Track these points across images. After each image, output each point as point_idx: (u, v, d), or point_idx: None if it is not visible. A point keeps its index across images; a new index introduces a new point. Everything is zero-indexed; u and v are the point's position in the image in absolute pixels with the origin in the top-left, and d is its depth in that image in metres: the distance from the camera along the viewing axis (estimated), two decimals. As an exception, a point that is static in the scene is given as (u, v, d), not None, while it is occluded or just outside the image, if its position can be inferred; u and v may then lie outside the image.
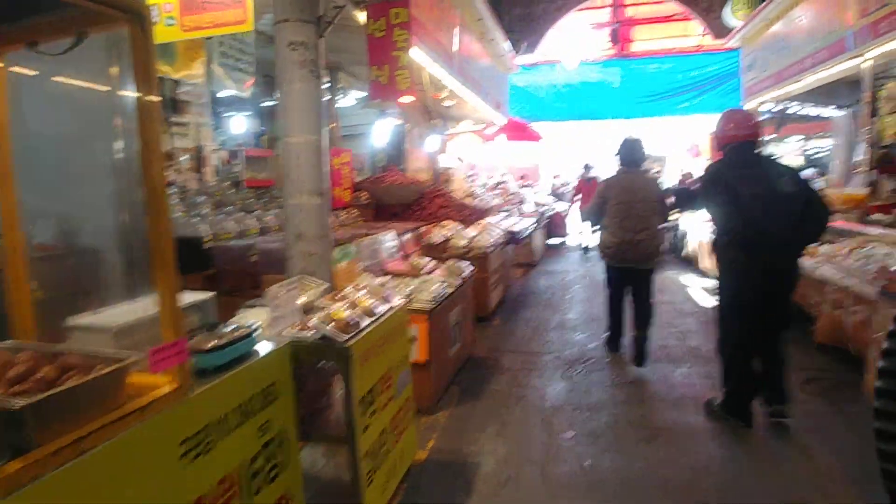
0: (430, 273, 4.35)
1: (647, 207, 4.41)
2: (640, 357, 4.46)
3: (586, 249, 10.40)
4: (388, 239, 4.72)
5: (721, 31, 10.95)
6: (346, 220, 5.72)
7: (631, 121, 14.78)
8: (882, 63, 5.65)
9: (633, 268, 4.48)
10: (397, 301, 2.82)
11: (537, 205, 11.59)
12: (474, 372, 4.37)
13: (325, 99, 3.52)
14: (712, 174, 3.54)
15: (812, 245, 4.12)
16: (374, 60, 3.96)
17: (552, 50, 13.87)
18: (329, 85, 6.62)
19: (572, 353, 4.88)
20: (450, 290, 3.95)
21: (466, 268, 4.47)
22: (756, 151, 3.44)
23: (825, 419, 3.51)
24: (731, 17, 10.11)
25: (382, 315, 2.61)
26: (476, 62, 7.99)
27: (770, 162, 3.46)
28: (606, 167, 17.61)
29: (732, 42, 9.01)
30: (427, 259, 4.55)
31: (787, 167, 3.45)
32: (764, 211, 3.19)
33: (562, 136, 14.95)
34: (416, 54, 4.68)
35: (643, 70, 13.74)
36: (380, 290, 2.85)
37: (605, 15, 13.53)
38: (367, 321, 2.44)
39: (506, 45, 9.67)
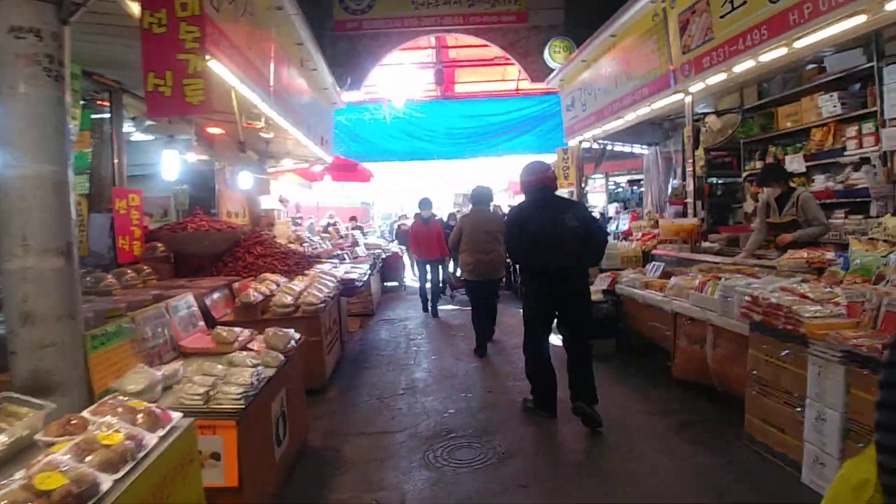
0: (244, 348, 3.29)
1: (491, 236, 6.17)
2: (489, 335, 6.38)
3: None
4: (185, 305, 3.56)
5: (538, 74, 11.33)
6: (131, 281, 4.37)
7: (457, 161, 14.88)
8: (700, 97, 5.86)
9: (485, 280, 6.24)
10: (179, 420, 1.78)
11: (370, 247, 10.83)
12: (309, 474, 3.34)
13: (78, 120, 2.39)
14: (511, 215, 4.41)
15: (649, 277, 4.83)
16: (150, 64, 2.89)
17: (379, 88, 13.43)
18: (110, 111, 5.24)
19: (429, 425, 4.07)
20: (270, 373, 2.93)
21: (292, 337, 3.46)
22: (550, 193, 4.14)
23: (715, 475, 3.09)
24: (551, 59, 10.48)
25: (150, 452, 1.57)
26: (296, 91, 7.09)
27: (560, 201, 4.18)
28: (444, 206, 17.52)
29: (552, 83, 9.24)
30: (240, 330, 3.47)
31: (574, 204, 4.21)
32: (548, 244, 3.92)
33: (396, 176, 14.49)
34: (219, 69, 3.69)
35: (466, 111, 13.86)
36: (154, 396, 1.80)
37: (429, 56, 13.46)
38: (112, 479, 1.39)
39: (329, 78, 8.91)
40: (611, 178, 16.64)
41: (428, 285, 8.36)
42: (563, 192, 13.60)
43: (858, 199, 5.77)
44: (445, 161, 14.52)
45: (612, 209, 17.55)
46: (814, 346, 2.72)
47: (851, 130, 5.94)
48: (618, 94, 7.06)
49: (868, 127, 5.75)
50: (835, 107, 6.04)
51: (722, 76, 5.00)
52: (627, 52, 6.67)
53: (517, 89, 14.25)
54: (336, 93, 9.86)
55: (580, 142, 9.17)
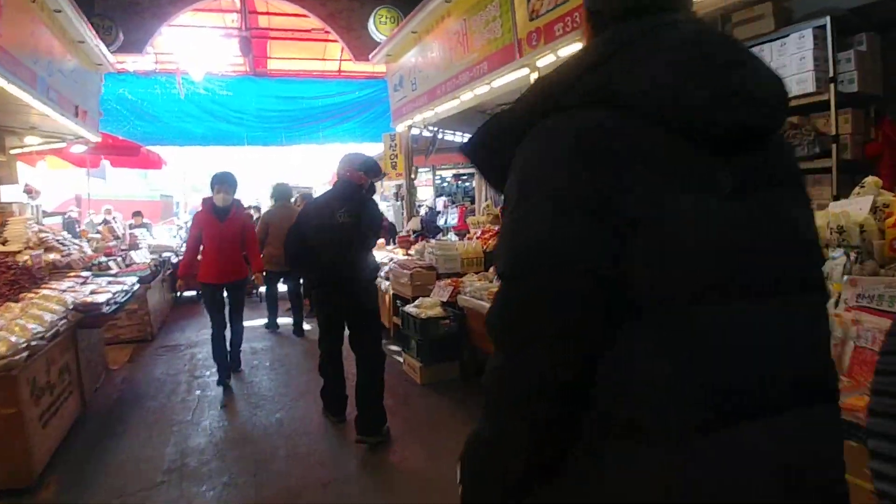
0: None
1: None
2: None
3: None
4: None
5: (361, 51, 10.06)
6: None
7: (270, 148, 13.07)
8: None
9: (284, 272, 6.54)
10: None
11: (157, 250, 8.72)
12: None
13: None
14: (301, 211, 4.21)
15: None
16: None
17: (177, 57, 11.16)
18: None
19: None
20: None
21: None
22: (343, 188, 3.77)
23: None
24: (376, 31, 9.25)
25: None
26: (28, 40, 5.02)
27: (345, 196, 3.73)
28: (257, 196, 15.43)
29: (377, 59, 8.03)
30: None
31: (355, 199, 3.70)
32: (319, 244, 3.66)
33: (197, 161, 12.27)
34: None
35: (281, 92, 12.18)
36: None
37: (234, 22, 11.44)
38: None
39: (83, 29, 6.75)
40: (437, 172, 16.10)
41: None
42: (391, 184, 12.73)
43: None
44: (254, 148, 12.65)
45: (440, 203, 17.04)
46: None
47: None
48: (453, 70, 6.07)
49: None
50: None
51: (578, 45, 4.15)
52: (464, 20, 5.68)
53: (340, 71, 12.86)
54: (101, 53, 7.66)
55: (409, 127, 8.09)
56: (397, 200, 17.72)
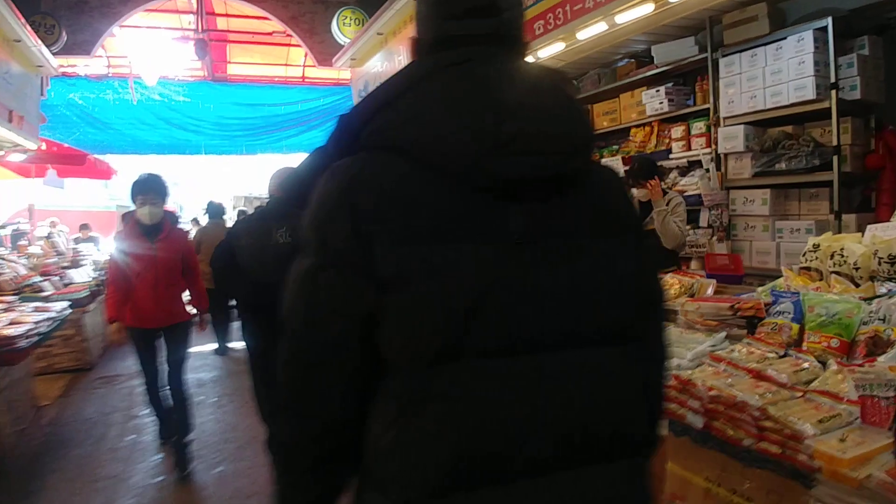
0: None
1: None
2: None
3: None
4: None
5: (325, 57, 9.58)
6: None
7: (228, 157, 12.45)
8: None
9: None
10: None
11: (102, 267, 8.02)
12: None
13: None
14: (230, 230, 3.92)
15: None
16: None
17: (132, 61, 10.48)
18: None
19: None
20: None
21: None
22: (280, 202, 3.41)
23: None
24: (340, 33, 8.75)
25: None
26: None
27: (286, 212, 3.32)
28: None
29: (341, 63, 7.54)
30: None
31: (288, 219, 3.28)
32: (256, 262, 3.24)
33: (159, 169, 11.53)
34: None
35: (241, 98, 11.59)
36: None
37: (191, 23, 10.79)
38: None
39: (17, 27, 6.13)
40: None
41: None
42: None
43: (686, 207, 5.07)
44: (212, 157, 12.02)
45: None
46: (827, 489, 1.43)
47: (678, 130, 5.25)
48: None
49: (698, 126, 5.08)
50: (661, 103, 5.29)
51: (559, 46, 3.77)
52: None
53: (303, 77, 12.33)
54: (41, 54, 7.02)
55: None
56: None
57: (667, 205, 4.07)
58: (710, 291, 3.00)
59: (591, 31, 3.42)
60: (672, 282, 3.13)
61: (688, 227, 4.39)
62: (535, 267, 0.81)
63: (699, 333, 2.06)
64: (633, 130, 5.72)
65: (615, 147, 6.08)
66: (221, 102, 11.40)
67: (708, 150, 4.91)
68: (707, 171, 4.81)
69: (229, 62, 11.96)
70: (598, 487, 0.83)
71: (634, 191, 4.17)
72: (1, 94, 6.22)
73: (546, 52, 3.88)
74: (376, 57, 6.68)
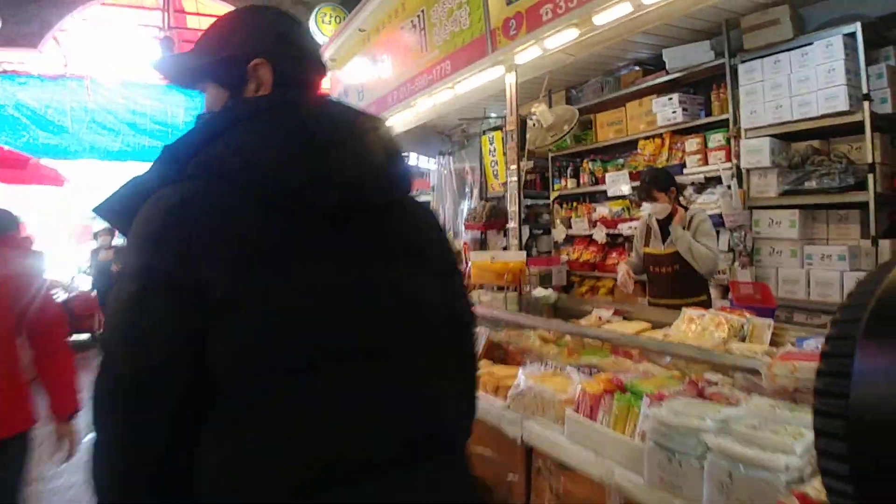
0: None
1: None
2: None
3: None
4: None
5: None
6: None
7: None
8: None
9: None
10: None
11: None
12: None
13: None
14: None
15: None
16: None
17: (86, 59, 9.73)
18: None
19: None
20: None
21: None
22: None
23: None
24: (318, 31, 8.15)
25: None
26: None
27: None
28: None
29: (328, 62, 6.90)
30: None
31: None
32: None
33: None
34: None
35: (218, 104, 10.85)
36: None
37: (159, 19, 10.09)
38: None
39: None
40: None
41: None
42: None
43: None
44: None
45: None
46: None
47: (693, 143, 4.69)
48: (408, 73, 5.02)
49: (716, 139, 4.52)
50: (674, 112, 4.74)
51: (572, 33, 3.17)
52: (422, 10, 4.66)
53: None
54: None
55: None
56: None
57: (690, 221, 3.46)
58: (768, 335, 2.38)
59: (613, 14, 2.81)
60: (716, 321, 2.51)
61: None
62: (361, 284, 0.89)
63: (800, 409, 1.44)
64: (641, 143, 5.17)
65: (620, 161, 5.53)
66: (193, 108, 10.66)
67: (728, 164, 4.36)
68: (728, 188, 4.25)
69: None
70: (437, 482, 0.91)
71: (647, 205, 3.56)
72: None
73: (555, 41, 3.26)
74: (358, 55, 6.06)
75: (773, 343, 2.39)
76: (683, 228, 3.43)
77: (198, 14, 9.90)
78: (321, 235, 0.87)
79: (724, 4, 3.95)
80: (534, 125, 3.94)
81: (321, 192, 0.86)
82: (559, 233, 6.12)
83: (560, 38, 3.21)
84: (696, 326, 2.59)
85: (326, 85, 10.30)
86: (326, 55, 6.68)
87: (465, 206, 7.23)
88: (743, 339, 2.46)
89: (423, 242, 1.01)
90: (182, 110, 10.57)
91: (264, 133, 0.87)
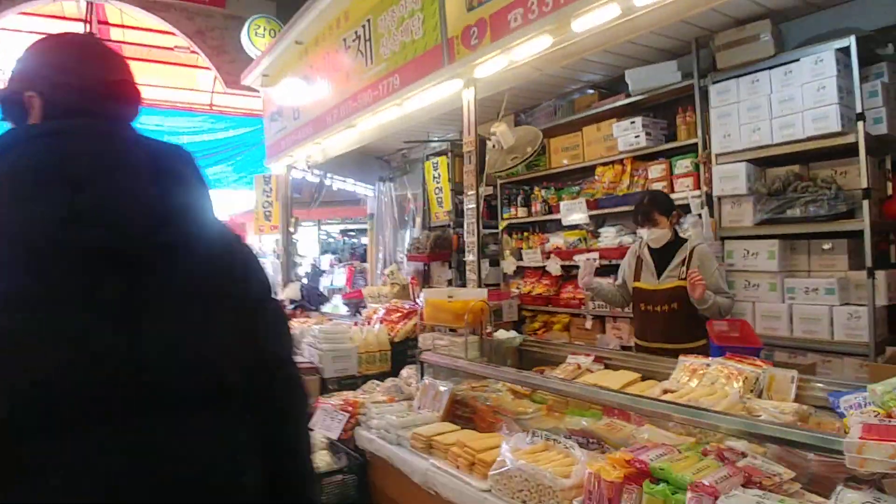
0: None
1: None
2: None
3: None
4: None
5: (236, 78, 8.33)
6: None
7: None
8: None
9: None
10: None
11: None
12: None
13: None
14: None
15: None
16: None
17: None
18: None
19: None
20: None
21: None
22: None
23: None
24: (251, 44, 7.56)
25: None
26: None
27: None
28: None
29: (251, 78, 6.30)
30: None
31: None
32: None
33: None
34: None
35: (140, 123, 9.96)
36: None
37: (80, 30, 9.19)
38: None
39: None
40: (322, 227, 14.60)
41: None
42: (266, 238, 10.85)
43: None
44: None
45: (325, 261, 15.23)
46: None
47: (657, 169, 4.41)
48: (351, 89, 4.52)
49: (684, 165, 4.26)
50: (636, 137, 4.46)
51: (545, 41, 2.79)
52: (367, 20, 4.20)
53: (211, 105, 10.97)
54: None
55: (289, 168, 6.36)
56: (277, 258, 15.64)
57: (689, 256, 3.03)
58: (792, 390, 1.99)
59: (596, 18, 2.44)
60: (726, 372, 2.10)
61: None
62: (125, 333, 0.82)
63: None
64: (599, 169, 4.87)
65: (576, 189, 5.20)
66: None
67: (697, 192, 4.08)
68: (699, 216, 3.96)
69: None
70: None
71: (645, 231, 3.13)
72: None
73: (524, 50, 2.86)
74: (293, 70, 5.52)
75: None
76: (682, 264, 3.01)
77: (122, 26, 9.08)
78: (87, 279, 0.81)
79: (697, 20, 3.71)
80: (493, 147, 3.52)
81: (76, 234, 0.81)
82: (509, 264, 5.71)
83: (531, 47, 2.81)
84: (701, 379, 2.17)
85: (257, 104, 9.73)
86: (259, 69, 6.12)
87: (407, 236, 6.75)
88: (759, 395, 2.07)
89: (212, 282, 0.94)
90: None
91: (19, 169, 0.83)
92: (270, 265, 12.03)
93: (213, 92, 10.61)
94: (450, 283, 6.04)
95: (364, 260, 15.15)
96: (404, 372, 3.19)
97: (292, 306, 5.85)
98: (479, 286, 3.42)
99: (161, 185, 0.89)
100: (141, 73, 10.22)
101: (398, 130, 5.11)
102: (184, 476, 0.84)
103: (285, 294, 5.88)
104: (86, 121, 0.92)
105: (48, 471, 0.76)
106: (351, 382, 3.40)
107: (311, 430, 1.15)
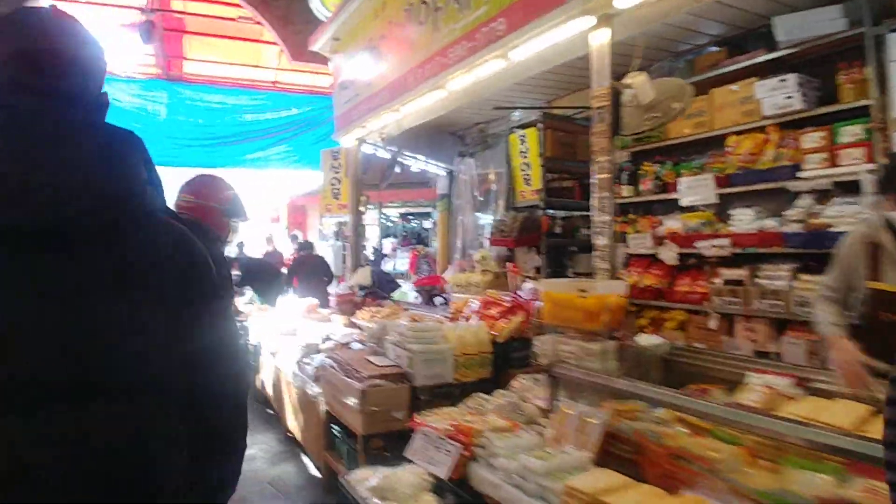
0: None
1: None
2: None
3: None
4: None
5: (301, 50, 7.88)
6: None
7: (183, 170, 10.45)
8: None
9: None
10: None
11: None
12: None
13: None
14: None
15: None
16: None
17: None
18: None
19: None
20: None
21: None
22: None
23: None
24: (321, 6, 7.02)
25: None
26: None
27: None
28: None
29: (320, 44, 5.75)
30: None
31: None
32: None
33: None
34: None
35: (200, 101, 9.75)
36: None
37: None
38: None
39: None
40: (382, 210, 14.20)
41: None
42: (331, 219, 10.44)
43: (824, 251, 3.28)
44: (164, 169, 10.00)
45: (387, 245, 14.78)
46: None
47: (815, 138, 3.57)
48: (439, 42, 3.87)
49: (852, 133, 3.40)
50: (789, 98, 3.63)
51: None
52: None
53: (275, 83, 10.61)
54: None
55: (360, 141, 5.78)
56: (337, 240, 15.27)
57: None
58: None
59: None
60: None
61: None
62: (47, 317, 0.82)
63: None
64: (732, 138, 4.04)
65: (698, 162, 4.38)
66: (176, 104, 9.53)
67: (872, 165, 3.22)
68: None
69: (186, 59, 10.09)
70: None
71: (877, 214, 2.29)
72: None
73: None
74: (368, 33, 4.90)
75: None
76: None
77: (184, -2, 8.74)
78: (12, 262, 0.81)
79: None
80: (630, 101, 2.79)
81: (3, 212, 0.80)
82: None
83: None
84: None
85: (321, 81, 9.27)
86: (330, 32, 5.55)
87: (487, 218, 6.08)
88: None
89: (149, 271, 0.91)
90: (164, 107, 9.48)
91: None
92: (331, 249, 11.74)
93: (277, 69, 10.24)
94: (538, 270, 5.34)
95: (421, 243, 14.68)
96: (517, 383, 2.54)
97: (362, 293, 5.31)
98: (614, 278, 2.71)
99: (103, 168, 0.87)
100: (204, 49, 10.00)
101: (481, 100, 4.46)
102: (89, 461, 0.82)
103: (355, 279, 5.33)
104: (23, 94, 0.89)
105: None
106: (446, 391, 2.78)
107: (239, 432, 1.06)
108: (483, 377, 2.92)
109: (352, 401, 2.60)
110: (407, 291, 6.62)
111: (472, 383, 2.85)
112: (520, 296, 3.28)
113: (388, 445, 2.68)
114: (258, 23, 8.36)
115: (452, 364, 2.78)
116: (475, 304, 3.37)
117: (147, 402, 0.87)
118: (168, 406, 0.90)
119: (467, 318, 3.10)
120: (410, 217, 16.65)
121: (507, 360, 3.01)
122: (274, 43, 8.89)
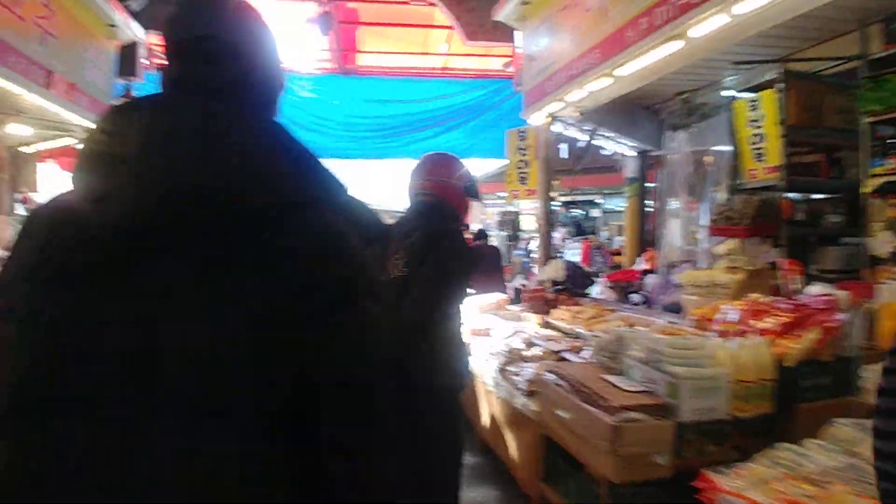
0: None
1: None
2: None
3: None
4: None
5: (474, 29, 7.47)
6: None
7: (356, 161, 10.67)
8: None
9: None
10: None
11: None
12: None
13: None
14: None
15: None
16: None
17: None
18: None
19: None
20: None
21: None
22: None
23: None
24: (505, -28, 6.52)
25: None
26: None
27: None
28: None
29: (505, 13, 5.21)
30: None
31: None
32: None
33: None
34: None
35: (371, 94, 9.88)
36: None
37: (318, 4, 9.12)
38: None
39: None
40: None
41: None
42: (524, 204, 10.02)
43: None
44: (336, 161, 10.25)
45: (556, 235, 14.05)
46: None
47: None
48: (627, 14, 3.12)
49: None
50: None
51: None
52: None
53: (443, 68, 10.41)
54: (123, 20, 5.53)
55: (551, 118, 5.15)
56: (501, 230, 14.82)
57: None
58: None
59: None
60: None
61: None
62: (140, 323, 0.74)
63: None
64: None
65: None
66: (350, 98, 9.77)
67: None
68: None
69: (359, 51, 10.25)
70: None
71: None
72: (61, 61, 4.64)
73: None
74: (553, 7, 4.25)
75: None
76: None
77: (359, -10, 8.78)
78: (95, 262, 0.77)
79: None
80: None
81: (100, 212, 0.78)
82: (881, 243, 3.83)
83: None
84: None
85: (492, 64, 8.82)
86: (515, 2, 5.00)
87: (707, 204, 5.14)
88: None
89: (267, 282, 0.77)
90: (339, 101, 9.77)
91: (97, 149, 0.83)
92: (495, 240, 11.33)
93: (447, 54, 10.01)
94: (773, 266, 4.35)
95: (581, 233, 13.76)
96: (839, 433, 1.77)
97: (555, 289, 4.73)
98: None
99: (252, 166, 0.79)
100: (375, 40, 10.07)
101: (697, 61, 3.64)
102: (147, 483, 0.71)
103: (546, 274, 4.76)
104: (175, 86, 0.87)
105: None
106: (717, 429, 2.08)
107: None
108: (762, 411, 2.19)
109: (597, 437, 2.01)
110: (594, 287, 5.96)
111: (748, 420, 2.14)
112: (801, 301, 2.46)
113: (637, 492, 2.07)
114: (431, 3, 8.08)
115: (728, 394, 2.08)
116: (732, 312, 2.60)
117: (228, 425, 0.75)
118: (265, 433, 0.77)
119: (742, 333, 2.34)
120: (573, 205, 15.93)
121: (794, 387, 2.24)
122: (445, 26, 8.61)
